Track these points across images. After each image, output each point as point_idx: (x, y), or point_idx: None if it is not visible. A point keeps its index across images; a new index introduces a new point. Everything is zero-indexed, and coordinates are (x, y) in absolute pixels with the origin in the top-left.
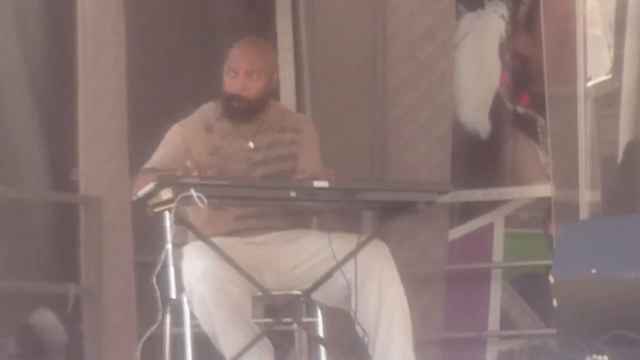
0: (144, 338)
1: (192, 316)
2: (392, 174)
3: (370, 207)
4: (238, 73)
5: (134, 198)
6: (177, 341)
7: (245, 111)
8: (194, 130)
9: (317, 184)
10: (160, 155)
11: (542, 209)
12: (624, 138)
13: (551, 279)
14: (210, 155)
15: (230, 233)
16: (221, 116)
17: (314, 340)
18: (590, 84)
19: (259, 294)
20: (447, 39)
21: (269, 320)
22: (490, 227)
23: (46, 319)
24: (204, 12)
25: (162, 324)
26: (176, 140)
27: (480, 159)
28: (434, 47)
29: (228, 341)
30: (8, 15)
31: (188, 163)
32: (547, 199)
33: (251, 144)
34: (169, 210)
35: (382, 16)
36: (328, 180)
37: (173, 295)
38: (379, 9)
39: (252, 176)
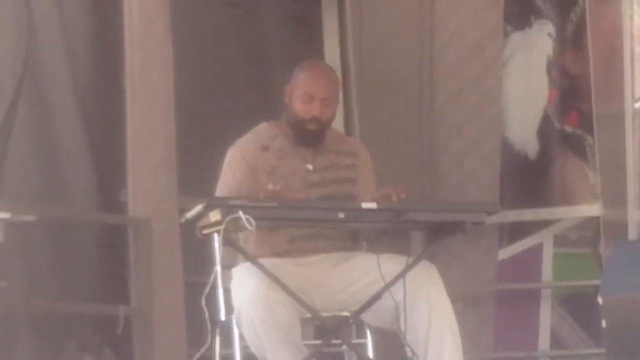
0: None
1: (241, 338)
2: (440, 192)
3: (418, 228)
4: (314, 99)
5: (183, 219)
6: None
7: (318, 134)
8: (252, 151)
9: (366, 205)
10: (230, 182)
11: (591, 229)
12: None
13: (600, 299)
14: (268, 175)
15: (280, 254)
16: (278, 136)
17: None
18: (638, 104)
19: (308, 315)
20: (495, 56)
21: (318, 341)
22: (539, 247)
23: None
24: (252, 29)
25: (212, 345)
26: (241, 164)
27: (528, 179)
28: (482, 64)
29: None
30: (55, 33)
31: (270, 186)
32: (596, 218)
33: (310, 166)
34: (217, 232)
35: (429, 32)
36: (399, 197)
37: (222, 317)
38: (426, 25)
39: (307, 197)
